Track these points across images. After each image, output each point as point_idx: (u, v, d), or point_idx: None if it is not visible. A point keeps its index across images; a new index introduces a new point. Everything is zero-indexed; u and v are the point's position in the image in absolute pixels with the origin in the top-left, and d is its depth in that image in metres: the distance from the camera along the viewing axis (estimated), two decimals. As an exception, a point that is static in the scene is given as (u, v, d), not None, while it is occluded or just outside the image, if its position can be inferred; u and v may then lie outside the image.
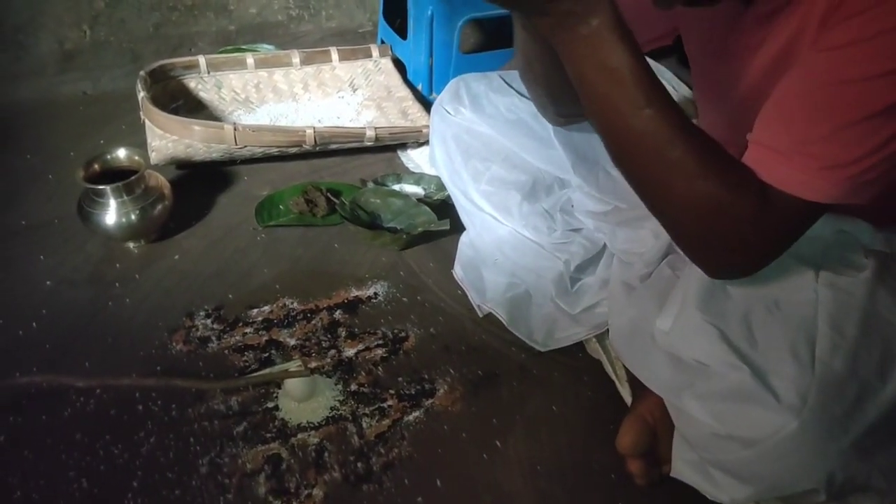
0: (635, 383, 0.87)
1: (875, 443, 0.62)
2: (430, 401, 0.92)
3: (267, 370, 0.94)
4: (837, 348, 0.63)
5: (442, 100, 1.11)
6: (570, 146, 1.00)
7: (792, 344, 0.64)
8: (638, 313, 0.76)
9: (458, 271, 1.08)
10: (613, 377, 0.92)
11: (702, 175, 0.59)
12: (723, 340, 0.65)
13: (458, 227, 1.12)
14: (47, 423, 0.89)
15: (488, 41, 1.70)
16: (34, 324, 1.01)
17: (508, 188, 1.04)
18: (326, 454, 0.86)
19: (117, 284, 1.08)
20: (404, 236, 1.13)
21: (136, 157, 1.12)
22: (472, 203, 1.08)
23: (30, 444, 0.86)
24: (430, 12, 1.39)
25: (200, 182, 1.27)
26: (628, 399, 0.88)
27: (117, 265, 1.11)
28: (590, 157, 1.01)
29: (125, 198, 1.08)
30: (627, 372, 0.90)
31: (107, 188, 1.07)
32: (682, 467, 0.71)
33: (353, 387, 0.93)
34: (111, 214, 1.08)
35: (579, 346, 0.97)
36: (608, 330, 0.91)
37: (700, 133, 0.61)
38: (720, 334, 0.65)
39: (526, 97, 1.02)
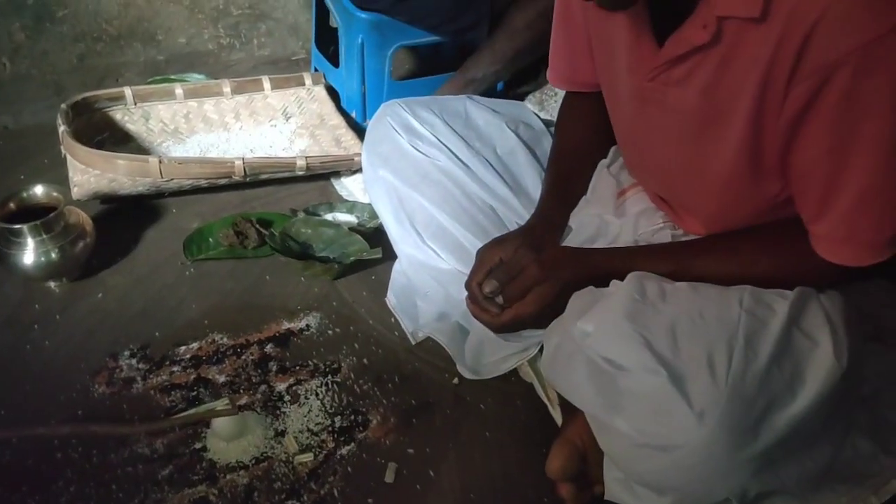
0: (566, 406, 0.88)
1: (786, 454, 0.64)
2: (364, 433, 0.91)
3: (193, 410, 0.92)
4: (750, 362, 0.65)
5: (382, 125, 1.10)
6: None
7: (710, 354, 0.66)
8: (562, 329, 0.77)
9: (391, 299, 1.09)
10: (545, 400, 0.93)
11: (772, 266, 0.75)
12: (646, 347, 0.66)
13: (390, 255, 1.12)
14: (-41, 477, 0.85)
15: (422, 67, 1.72)
16: (-54, 373, 0.98)
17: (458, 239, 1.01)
18: (256, 494, 0.84)
19: (36, 327, 1.05)
20: (336, 266, 1.13)
21: (55, 194, 1.10)
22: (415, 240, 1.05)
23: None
24: (360, 40, 1.40)
25: (126, 216, 1.25)
26: (560, 421, 0.90)
27: (37, 306, 1.08)
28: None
29: (44, 236, 1.06)
30: (559, 394, 0.91)
31: (23, 227, 1.04)
32: (613, 486, 0.73)
33: (283, 424, 0.92)
34: (29, 254, 1.06)
35: (512, 371, 0.98)
36: (540, 352, 0.93)
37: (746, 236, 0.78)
38: (644, 342, 0.67)
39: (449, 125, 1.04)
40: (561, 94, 1.06)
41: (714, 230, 0.82)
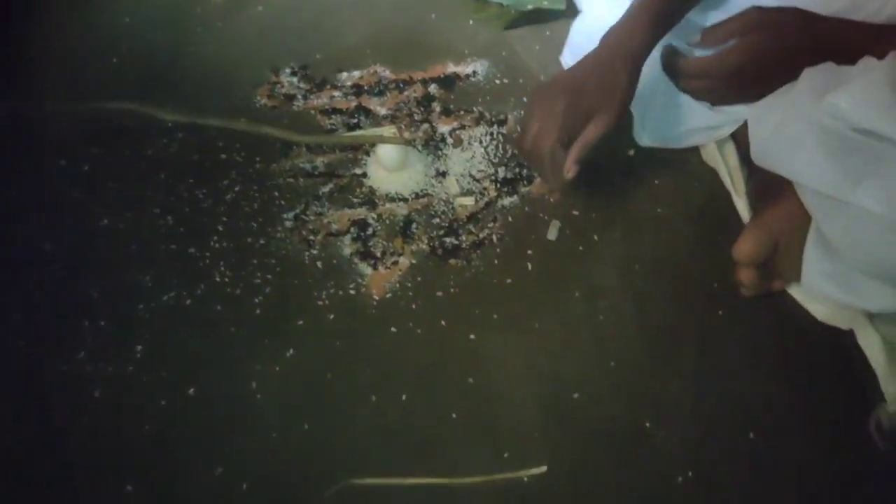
0: (757, 196, 0.82)
1: None
2: (527, 188, 0.88)
3: (360, 132, 0.90)
4: None
5: None
6: None
7: None
8: (789, 106, 0.69)
9: (566, 58, 1.00)
10: (730, 188, 0.86)
11: None
12: None
13: (572, 11, 1.02)
14: (130, 160, 0.88)
15: None
16: (114, 59, 0.98)
17: None
18: (414, 226, 0.84)
19: (199, 30, 1.03)
20: (512, 12, 1.03)
21: None
22: None
23: (113, 176, 0.86)
24: None
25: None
26: (744, 213, 0.83)
27: (199, 9, 1.05)
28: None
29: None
30: (748, 185, 0.84)
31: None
32: (816, 278, 0.68)
33: (444, 165, 0.89)
34: (194, -51, 1.01)
35: (694, 151, 0.90)
36: (732, 135, 0.85)
37: None
38: None
39: None
40: None
41: None
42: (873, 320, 0.72)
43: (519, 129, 0.79)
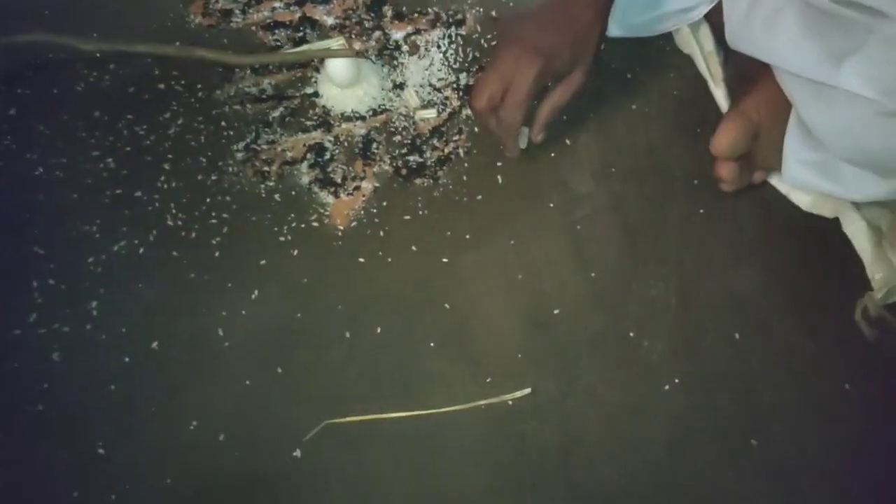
0: (735, 83, 0.77)
1: None
2: (491, 93, 0.82)
3: (305, 46, 0.83)
4: None
5: None
6: None
7: None
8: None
9: (524, -56, 0.92)
10: (707, 75, 0.81)
11: None
12: None
13: None
14: (60, 98, 0.81)
15: None
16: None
17: None
18: (375, 146, 0.79)
19: (117, -57, 0.93)
20: None
21: None
22: None
23: (43, 118, 0.79)
24: None
25: None
26: (722, 102, 0.79)
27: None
28: None
29: None
30: (725, 71, 0.79)
31: None
32: (796, 169, 0.64)
33: (401, 76, 0.83)
34: None
35: (667, 39, 0.85)
36: (706, 17, 0.79)
37: None
38: None
39: None
40: None
41: None
42: (859, 207, 0.69)
43: (474, 84, 0.71)
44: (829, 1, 0.57)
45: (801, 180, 0.65)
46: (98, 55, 0.82)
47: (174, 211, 0.74)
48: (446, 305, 0.69)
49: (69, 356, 0.66)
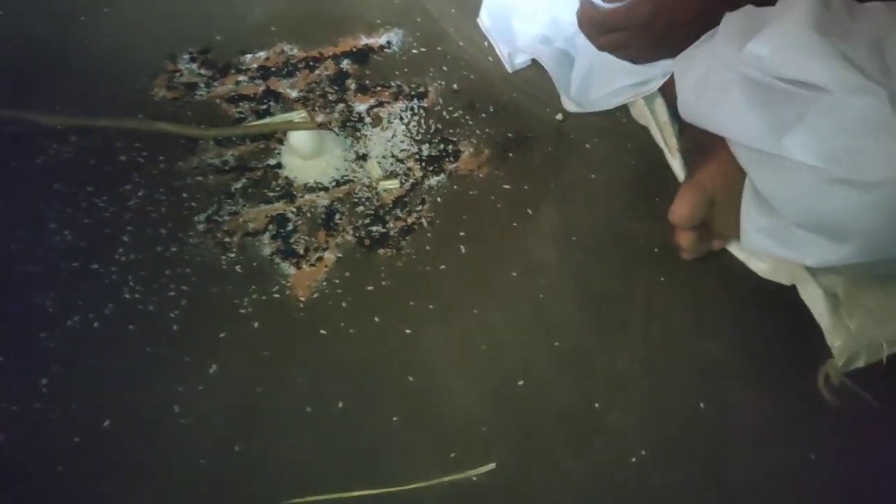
0: (690, 152, 0.80)
1: None
2: (454, 164, 0.84)
3: (267, 119, 0.85)
4: None
5: None
6: None
7: None
8: (711, 56, 0.66)
9: (484, 20, 0.96)
10: (662, 146, 0.83)
11: None
12: (846, 60, 0.56)
13: (486, -32, 0.98)
14: (18, 170, 0.80)
15: None
16: (-15, 58, 0.89)
17: None
18: (338, 216, 0.79)
19: (82, 18, 0.94)
20: (423, -26, 0.98)
21: None
22: None
23: (1, 191, 0.78)
24: None
25: None
26: (678, 171, 0.81)
27: (80, -5, 0.97)
28: None
29: None
30: (680, 141, 0.82)
31: None
32: (753, 235, 0.66)
33: (364, 147, 0.84)
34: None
35: (623, 111, 0.88)
36: (660, 90, 0.82)
37: None
38: (841, 54, 0.56)
39: None
40: None
41: None
42: (815, 274, 0.71)
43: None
44: (770, 77, 0.59)
45: (759, 246, 0.67)
46: (59, 128, 0.82)
47: (132, 283, 0.73)
48: (410, 378, 0.68)
49: (14, 436, 0.63)
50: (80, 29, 0.93)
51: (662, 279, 0.76)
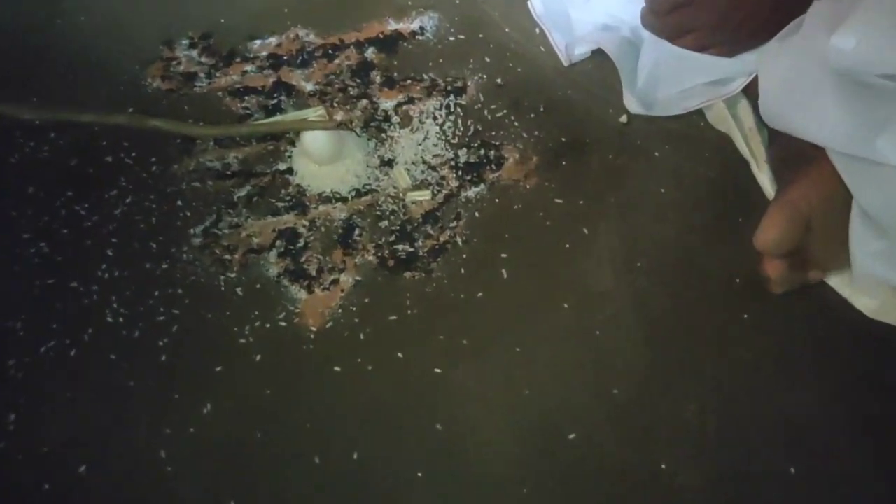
0: (781, 165, 0.80)
1: None
2: (496, 173, 0.85)
3: (278, 116, 0.87)
4: None
5: None
6: None
7: None
8: (798, 50, 0.67)
9: (535, 4, 0.98)
10: (748, 156, 0.84)
11: None
12: None
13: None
14: (-11, 172, 0.84)
15: None
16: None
17: None
18: (357, 232, 0.81)
19: (69, -3, 0.99)
20: (464, -51, 1.00)
21: None
22: None
23: (-32, 195, 0.82)
24: None
25: None
26: (767, 186, 0.82)
27: (66, -30, 1.01)
28: None
29: None
30: (770, 151, 0.82)
31: None
32: (867, 261, 0.66)
33: (390, 152, 0.87)
34: None
35: (700, 114, 0.88)
36: (744, 91, 0.83)
37: None
38: None
39: None
40: None
41: None
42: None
43: None
44: (857, 72, 0.60)
45: (874, 274, 0.67)
46: (37, 123, 0.86)
47: (115, 305, 0.75)
48: (437, 426, 0.70)
49: (-23, 481, 0.66)
50: (62, 10, 0.97)
51: (745, 317, 0.76)
